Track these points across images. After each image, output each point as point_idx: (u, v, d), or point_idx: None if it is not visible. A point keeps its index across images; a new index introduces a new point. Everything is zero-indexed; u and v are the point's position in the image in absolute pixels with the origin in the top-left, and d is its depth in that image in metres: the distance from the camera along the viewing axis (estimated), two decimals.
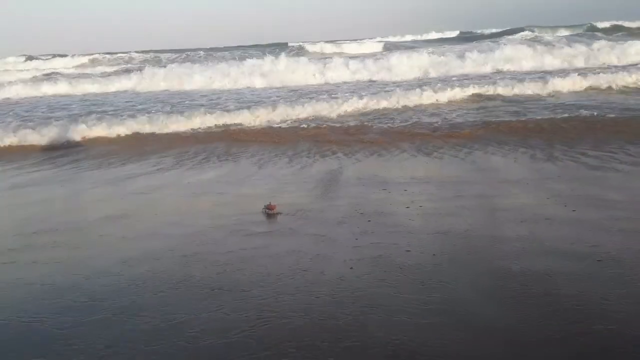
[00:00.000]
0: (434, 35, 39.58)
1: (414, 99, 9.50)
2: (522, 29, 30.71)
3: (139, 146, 7.65)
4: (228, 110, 9.27)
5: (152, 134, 8.27)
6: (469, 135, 6.91)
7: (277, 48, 31.27)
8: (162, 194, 5.14)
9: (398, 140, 6.88)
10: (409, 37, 40.15)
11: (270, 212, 4.08)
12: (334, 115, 8.76)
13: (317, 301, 2.67)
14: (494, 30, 36.55)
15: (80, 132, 8.31)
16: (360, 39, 37.52)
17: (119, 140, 8.16)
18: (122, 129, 8.39)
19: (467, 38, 33.84)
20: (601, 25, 31.87)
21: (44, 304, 2.81)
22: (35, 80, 17.88)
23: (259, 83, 13.73)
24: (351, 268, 3.05)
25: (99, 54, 32.00)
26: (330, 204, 4.38)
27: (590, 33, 27.03)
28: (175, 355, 2.28)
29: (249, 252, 3.39)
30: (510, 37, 25.06)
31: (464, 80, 11.68)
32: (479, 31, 40.36)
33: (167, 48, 35.32)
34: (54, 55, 34.07)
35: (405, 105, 9.25)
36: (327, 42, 33.29)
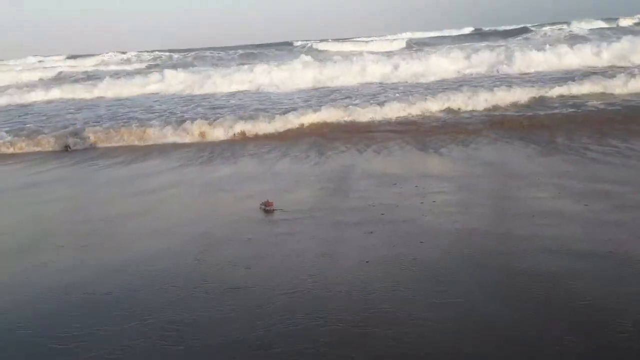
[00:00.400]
0: (447, 33, 38.51)
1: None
2: (542, 25, 29.91)
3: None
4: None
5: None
6: None
7: (283, 47, 30.84)
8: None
9: None
10: (418, 35, 38.82)
11: (267, 209, 4.16)
12: (480, 107, 8.03)
13: (331, 298, 2.67)
14: (507, 28, 35.81)
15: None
16: (367, 38, 36.79)
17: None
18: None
19: (482, 34, 33.13)
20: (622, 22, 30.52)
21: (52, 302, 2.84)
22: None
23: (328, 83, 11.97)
24: (367, 262, 3.08)
25: (114, 52, 31.73)
26: None
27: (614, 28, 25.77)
28: (193, 354, 2.28)
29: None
30: (545, 29, 23.86)
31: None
32: (488, 28, 39.58)
33: (166, 48, 35.05)
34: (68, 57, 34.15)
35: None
36: (334, 40, 32.55)
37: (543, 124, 6.86)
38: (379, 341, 2.28)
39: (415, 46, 24.83)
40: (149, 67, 22.19)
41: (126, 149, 7.38)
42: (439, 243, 3.28)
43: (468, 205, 3.97)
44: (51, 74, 21.11)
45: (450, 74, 11.60)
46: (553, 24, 31.53)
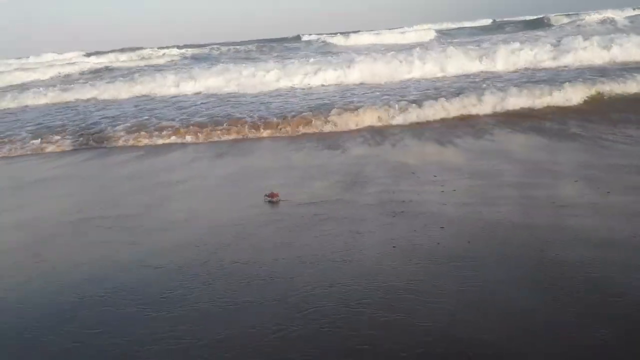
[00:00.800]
0: (467, 24, 38.16)
1: None
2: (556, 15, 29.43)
3: None
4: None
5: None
6: None
7: (291, 41, 30.48)
8: None
9: None
10: (435, 27, 38.22)
11: (272, 200, 4.22)
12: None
13: (352, 289, 2.67)
14: (526, 18, 35.22)
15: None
16: (378, 30, 35.57)
17: None
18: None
19: (499, 25, 32.83)
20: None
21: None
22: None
23: (416, 73, 11.15)
24: (394, 247, 3.12)
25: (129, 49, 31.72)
26: None
27: None
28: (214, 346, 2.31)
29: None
30: (582, 20, 23.33)
31: None
32: (507, 19, 38.98)
33: (172, 44, 34.72)
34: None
35: None
36: (344, 33, 31.72)
37: None
38: (402, 328, 2.30)
39: (444, 37, 24.53)
40: (193, 62, 21.82)
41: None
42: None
43: None
44: (87, 68, 21.31)
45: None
46: (568, 14, 31.14)
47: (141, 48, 32.23)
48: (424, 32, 28.04)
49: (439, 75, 11.04)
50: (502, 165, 4.90)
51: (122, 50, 32.25)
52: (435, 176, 4.58)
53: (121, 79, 13.83)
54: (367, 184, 4.54)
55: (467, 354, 2.11)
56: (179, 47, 32.01)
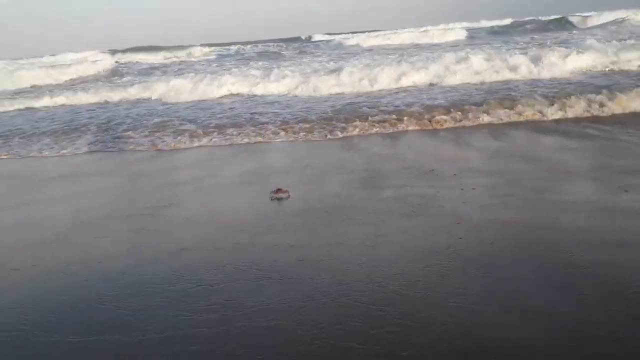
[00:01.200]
0: (485, 24, 37.76)
1: None
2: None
3: None
4: None
5: None
6: None
7: (297, 41, 29.85)
8: None
9: None
10: (451, 25, 37.46)
11: (278, 197, 4.09)
12: None
13: (372, 290, 2.67)
14: (545, 18, 34.69)
15: None
16: (393, 30, 34.12)
17: None
18: None
19: (521, 25, 32.50)
20: None
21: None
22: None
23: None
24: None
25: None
26: None
27: None
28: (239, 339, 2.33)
29: None
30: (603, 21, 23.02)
31: None
32: (527, 18, 38.43)
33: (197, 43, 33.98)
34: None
35: None
36: (353, 33, 30.52)
37: None
38: (426, 327, 2.30)
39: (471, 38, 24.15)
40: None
41: None
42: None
43: None
44: (137, 68, 20.37)
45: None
46: (585, 15, 30.64)
47: (158, 48, 31.89)
48: (454, 32, 26.91)
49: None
50: None
51: (138, 50, 31.78)
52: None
53: (210, 75, 12.52)
54: None
55: (489, 353, 2.11)
56: (202, 45, 31.44)
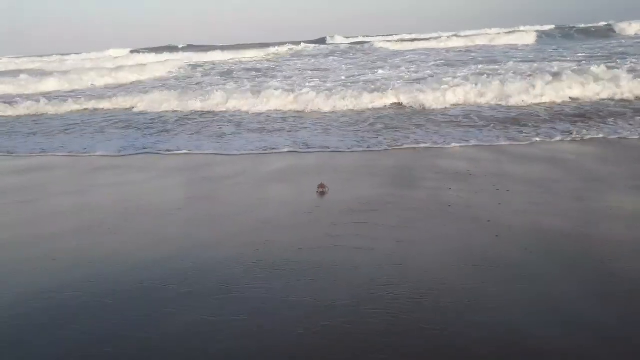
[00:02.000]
0: (524, 28, 36.78)
1: None
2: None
3: None
4: None
5: None
6: None
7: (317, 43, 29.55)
8: None
9: None
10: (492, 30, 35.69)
11: (322, 191, 4.29)
12: None
13: (400, 295, 2.63)
14: (586, 26, 33.36)
15: None
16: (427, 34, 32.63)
17: None
18: None
19: (567, 31, 31.93)
20: None
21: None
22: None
23: None
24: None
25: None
26: None
27: None
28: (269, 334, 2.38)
29: None
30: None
31: None
32: (571, 25, 37.13)
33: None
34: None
35: None
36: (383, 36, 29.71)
37: None
38: (461, 333, 2.27)
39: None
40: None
41: None
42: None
43: None
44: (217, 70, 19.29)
45: None
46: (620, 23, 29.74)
47: (208, 47, 31.98)
48: (526, 34, 26.11)
49: None
50: None
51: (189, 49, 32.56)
52: None
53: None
54: None
55: None
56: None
